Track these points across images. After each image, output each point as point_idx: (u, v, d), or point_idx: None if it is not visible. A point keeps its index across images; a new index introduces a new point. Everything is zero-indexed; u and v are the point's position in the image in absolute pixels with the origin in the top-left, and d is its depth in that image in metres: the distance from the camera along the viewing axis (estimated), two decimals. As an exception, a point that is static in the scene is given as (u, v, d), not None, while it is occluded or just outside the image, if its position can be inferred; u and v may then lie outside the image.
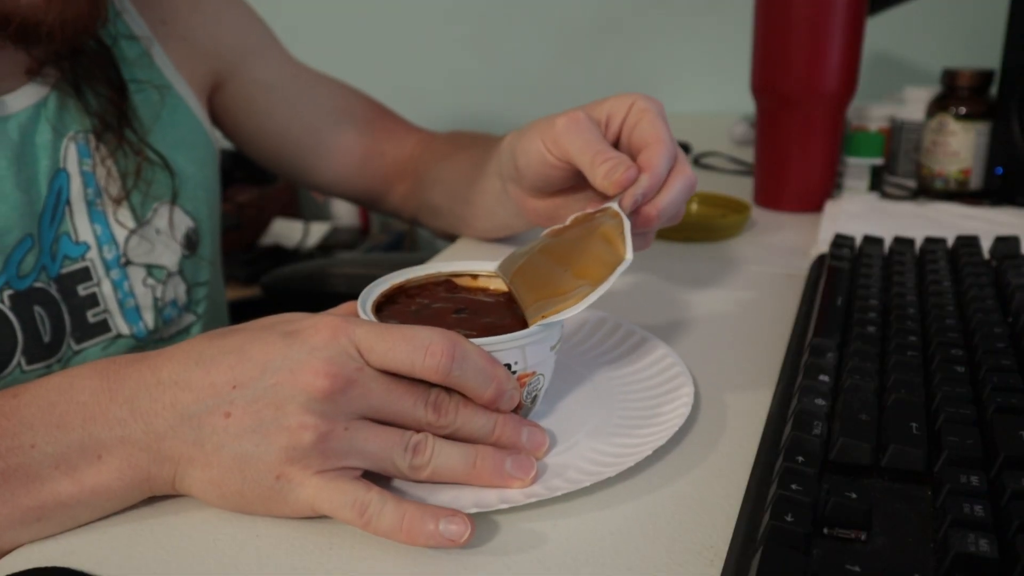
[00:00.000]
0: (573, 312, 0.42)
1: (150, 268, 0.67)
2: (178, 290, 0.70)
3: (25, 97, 0.61)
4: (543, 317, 0.42)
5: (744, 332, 0.59)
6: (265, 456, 0.37)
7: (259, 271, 1.47)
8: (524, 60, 1.77)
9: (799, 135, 0.85)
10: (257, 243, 1.96)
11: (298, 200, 2.15)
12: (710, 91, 1.62)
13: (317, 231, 2.00)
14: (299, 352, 0.37)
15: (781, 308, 0.62)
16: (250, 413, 0.37)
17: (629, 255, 0.44)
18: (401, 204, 0.85)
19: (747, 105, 1.29)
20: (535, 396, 0.44)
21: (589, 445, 0.44)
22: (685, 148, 1.21)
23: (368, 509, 0.36)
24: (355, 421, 0.38)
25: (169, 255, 0.69)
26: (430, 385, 0.40)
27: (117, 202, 0.65)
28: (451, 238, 0.82)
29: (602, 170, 0.49)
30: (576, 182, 0.55)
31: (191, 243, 0.71)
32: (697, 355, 0.55)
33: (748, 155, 1.15)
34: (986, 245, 0.68)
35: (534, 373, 0.43)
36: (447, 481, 0.40)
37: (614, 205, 0.49)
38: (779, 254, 0.75)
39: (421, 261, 0.62)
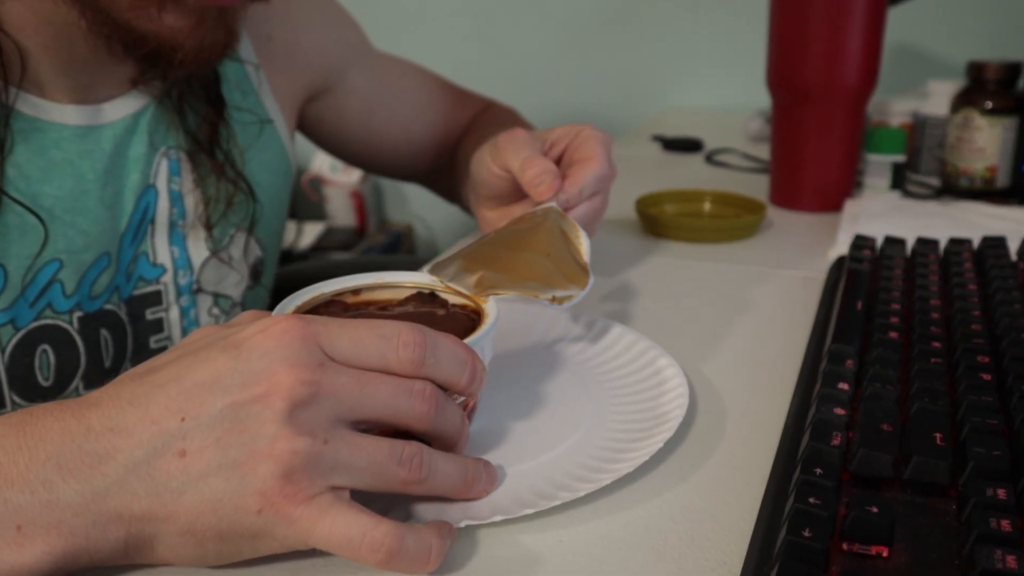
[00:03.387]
0: (562, 307, 0.48)
1: (217, 297, 0.68)
2: None
3: (124, 106, 0.61)
4: (556, 300, 0.47)
5: (759, 338, 0.59)
6: (240, 490, 0.33)
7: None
8: (528, 52, 1.77)
9: (817, 131, 0.85)
10: (248, 244, 1.97)
11: (292, 199, 2.16)
12: (723, 85, 1.62)
13: (311, 231, 2.00)
14: (250, 362, 0.34)
15: (798, 313, 0.62)
16: (210, 445, 0.33)
17: (588, 261, 0.52)
18: (443, 182, 0.91)
19: (762, 99, 1.29)
20: (479, 399, 0.46)
21: (584, 451, 0.44)
22: (697, 145, 1.21)
23: (384, 545, 0.34)
24: (334, 430, 0.35)
25: (236, 285, 0.70)
26: None
27: (202, 226, 0.65)
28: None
29: (529, 174, 0.57)
30: (516, 196, 0.63)
31: (256, 274, 0.72)
32: (710, 362, 0.55)
33: (763, 152, 1.15)
34: (1013, 246, 0.68)
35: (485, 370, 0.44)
36: (438, 495, 0.39)
37: (555, 206, 0.56)
38: (796, 256, 0.75)
39: (420, 264, 0.62)
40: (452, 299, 0.48)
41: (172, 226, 0.64)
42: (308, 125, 0.82)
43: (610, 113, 1.72)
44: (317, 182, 2.07)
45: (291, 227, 2.00)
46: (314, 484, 0.34)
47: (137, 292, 0.63)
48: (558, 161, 0.61)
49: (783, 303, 0.65)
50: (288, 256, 1.93)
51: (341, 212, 2.06)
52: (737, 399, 0.50)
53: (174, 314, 0.65)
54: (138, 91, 0.62)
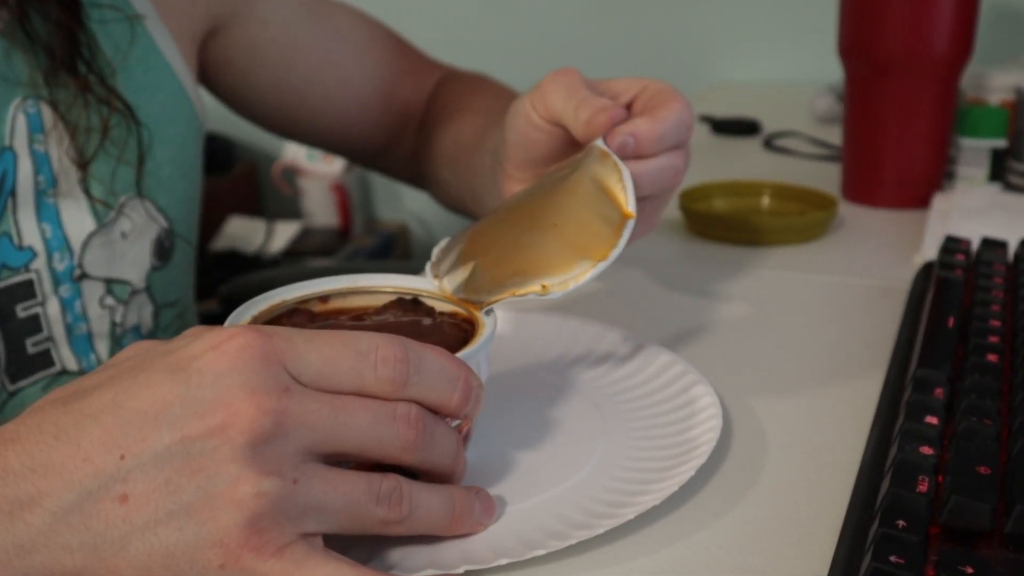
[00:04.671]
0: (566, 291, 0.45)
1: (110, 283, 0.66)
2: (143, 313, 0.69)
3: None
4: (546, 289, 0.45)
5: (828, 362, 0.59)
6: (197, 542, 0.34)
7: (210, 283, 1.47)
8: (544, 13, 1.78)
9: (899, 110, 0.85)
10: (208, 248, 1.98)
11: (259, 193, 2.17)
12: (785, 54, 1.62)
13: (284, 232, 2.01)
14: (201, 387, 0.35)
15: (876, 331, 0.62)
16: (158, 488, 0.34)
17: (632, 208, 0.48)
18: (404, 163, 0.89)
19: (833, 72, 1.29)
20: (475, 423, 0.46)
21: (598, 484, 0.45)
22: (753, 127, 1.22)
23: None
24: (304, 466, 0.35)
25: (135, 267, 0.67)
26: None
27: (80, 175, 0.62)
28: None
29: (584, 115, 0.53)
30: (564, 156, 0.58)
31: (163, 251, 0.70)
32: (769, 391, 0.55)
33: (834, 136, 1.15)
34: None
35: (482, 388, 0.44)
36: (420, 534, 0.39)
37: (599, 143, 0.52)
38: (873, 262, 0.75)
39: (415, 270, 0.62)
40: (440, 306, 0.49)
41: (40, 196, 0.61)
42: (215, 72, 0.79)
43: (647, 89, 1.72)
44: (291, 172, 2.08)
45: (260, 227, 2.01)
46: (284, 532, 0.35)
47: (1, 284, 0.60)
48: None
49: (857, 319, 0.65)
50: (255, 262, 1.94)
51: (320, 209, 2.07)
52: (800, 436, 0.50)
53: (53, 308, 0.63)
54: None
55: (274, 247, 1.97)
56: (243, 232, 2.01)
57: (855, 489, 0.43)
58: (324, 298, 0.49)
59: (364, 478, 0.37)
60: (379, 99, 0.86)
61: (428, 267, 0.51)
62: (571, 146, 0.57)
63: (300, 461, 0.35)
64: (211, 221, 2.00)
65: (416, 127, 0.86)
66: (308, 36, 0.81)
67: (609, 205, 0.49)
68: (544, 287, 0.46)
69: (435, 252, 0.51)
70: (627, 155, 0.52)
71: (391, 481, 0.37)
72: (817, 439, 0.50)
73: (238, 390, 0.35)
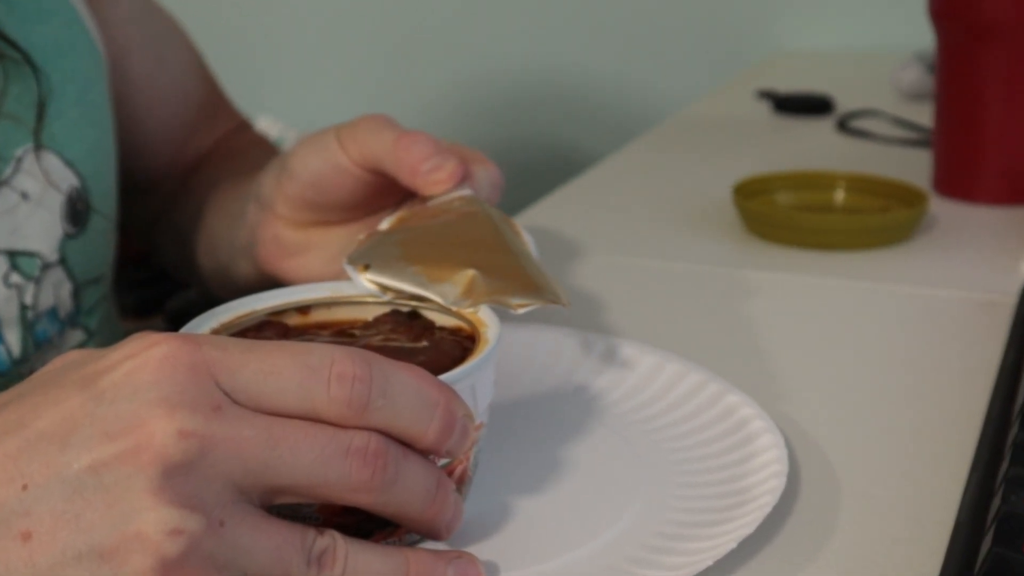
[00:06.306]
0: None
1: (14, 256, 0.65)
2: (60, 292, 0.68)
3: None
4: (557, 303, 0.48)
5: (916, 392, 0.59)
6: None
7: (157, 296, 1.47)
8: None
9: (1004, 84, 0.85)
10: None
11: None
12: (862, 16, 1.62)
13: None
14: (114, 403, 0.35)
15: (975, 354, 0.62)
16: (67, 524, 0.34)
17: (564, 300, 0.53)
18: (153, 212, 0.90)
19: (922, 38, 1.29)
20: (476, 463, 0.46)
21: (624, 551, 0.44)
22: (824, 104, 1.22)
23: None
24: (234, 507, 0.36)
25: (44, 235, 0.66)
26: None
27: None
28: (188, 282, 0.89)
29: (418, 151, 0.56)
30: (350, 213, 0.63)
31: (77, 215, 0.69)
32: (843, 427, 0.55)
33: (924, 116, 1.15)
34: None
35: (481, 424, 0.44)
36: None
37: (469, 191, 0.57)
38: (972, 270, 0.75)
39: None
40: (441, 319, 0.49)
41: None
42: None
43: (697, 59, 1.72)
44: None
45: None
46: None
47: None
48: None
49: (952, 340, 0.65)
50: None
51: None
52: (881, 481, 0.50)
53: None
54: None
55: (235, 251, 1.98)
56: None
57: (949, 549, 0.43)
58: (304, 309, 0.50)
59: (299, 532, 0.37)
60: (181, 134, 0.87)
61: (354, 276, 0.51)
62: (379, 194, 0.61)
63: (231, 500, 0.36)
64: (159, 219, 2.00)
65: (181, 176, 0.88)
66: (145, 36, 0.83)
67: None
68: (565, 303, 0.49)
69: (351, 270, 0.51)
70: None
71: (326, 538, 0.38)
72: (902, 487, 0.50)
73: (155, 407, 0.35)
